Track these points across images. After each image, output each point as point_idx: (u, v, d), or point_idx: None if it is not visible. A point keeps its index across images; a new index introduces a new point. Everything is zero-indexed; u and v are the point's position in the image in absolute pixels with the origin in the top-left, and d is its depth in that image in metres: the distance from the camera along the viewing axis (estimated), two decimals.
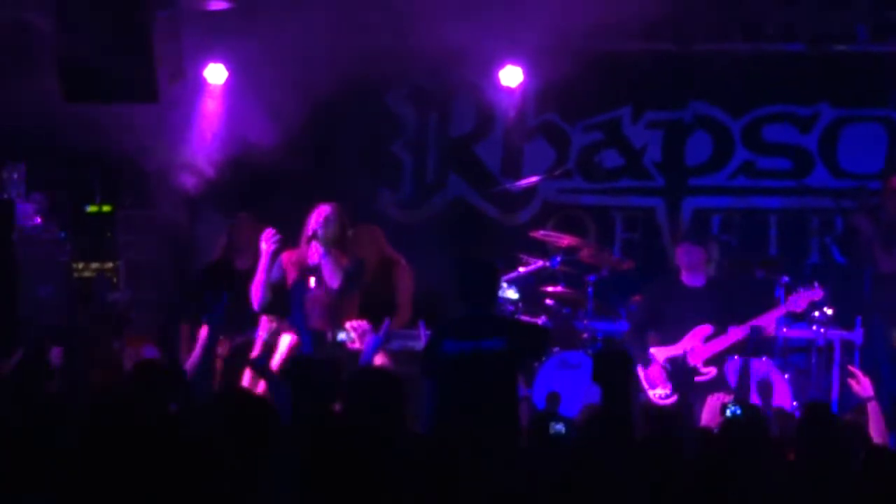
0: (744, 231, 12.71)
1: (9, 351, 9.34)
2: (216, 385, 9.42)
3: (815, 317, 10.64)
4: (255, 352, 9.74)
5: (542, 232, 11.62)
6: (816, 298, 10.15)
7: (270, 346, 9.79)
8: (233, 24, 11.43)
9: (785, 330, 10.50)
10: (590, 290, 11.19)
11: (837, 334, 10.74)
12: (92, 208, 12.24)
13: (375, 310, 9.50)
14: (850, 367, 8.64)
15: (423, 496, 5.51)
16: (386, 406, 6.46)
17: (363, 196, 12.20)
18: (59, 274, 11.16)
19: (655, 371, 9.96)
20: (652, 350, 10.05)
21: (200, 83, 12.04)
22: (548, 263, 11.28)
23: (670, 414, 8.89)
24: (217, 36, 11.64)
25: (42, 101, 9.99)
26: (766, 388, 9.10)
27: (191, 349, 9.77)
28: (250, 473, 5.52)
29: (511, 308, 10.96)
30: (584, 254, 11.35)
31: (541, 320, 11.03)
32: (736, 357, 9.77)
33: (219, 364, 9.66)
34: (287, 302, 9.62)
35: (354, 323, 9.41)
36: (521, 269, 11.26)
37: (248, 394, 7.04)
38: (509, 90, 12.40)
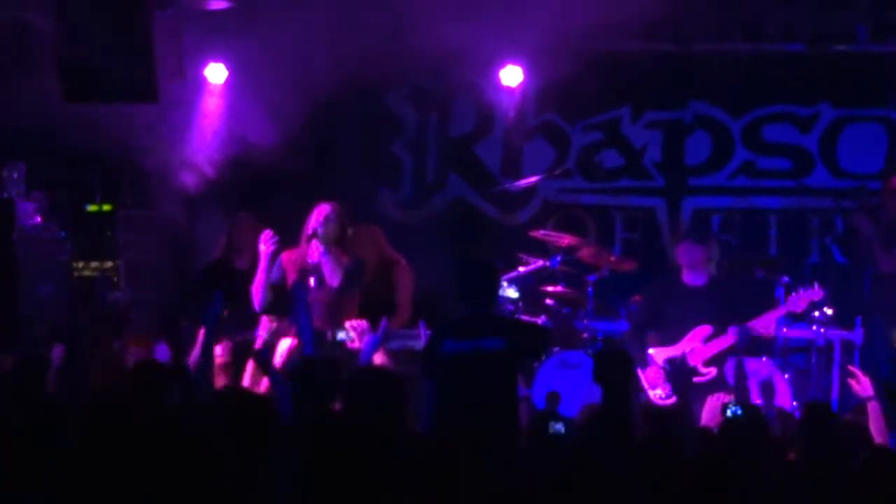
0: (744, 231, 12.71)
1: (9, 349, 9.37)
2: (216, 384, 9.43)
3: (815, 317, 10.64)
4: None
5: (542, 232, 11.62)
6: (816, 298, 10.14)
7: (271, 347, 9.78)
8: (233, 23, 11.43)
9: (785, 330, 10.49)
10: (590, 289, 11.19)
11: (837, 334, 10.74)
12: (92, 207, 12.25)
13: (375, 310, 9.50)
14: (850, 367, 8.64)
15: (423, 496, 5.51)
16: (386, 406, 6.46)
17: (363, 196, 12.20)
18: (59, 273, 11.16)
19: (655, 371, 9.96)
20: (651, 351, 10.05)
21: (201, 83, 12.04)
22: (548, 263, 11.28)
23: (670, 414, 8.88)
24: (217, 35, 11.64)
25: (42, 101, 9.99)
26: (768, 388, 9.10)
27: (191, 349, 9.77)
28: (250, 473, 5.53)
29: (511, 308, 10.96)
30: (584, 253, 11.34)
31: (541, 320, 11.02)
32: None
33: (219, 364, 9.66)
34: (288, 302, 9.61)
35: (354, 322, 9.41)
36: (521, 269, 11.26)
37: (248, 394, 7.04)
38: (509, 90, 12.40)
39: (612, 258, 11.58)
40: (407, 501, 5.50)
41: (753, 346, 10.20)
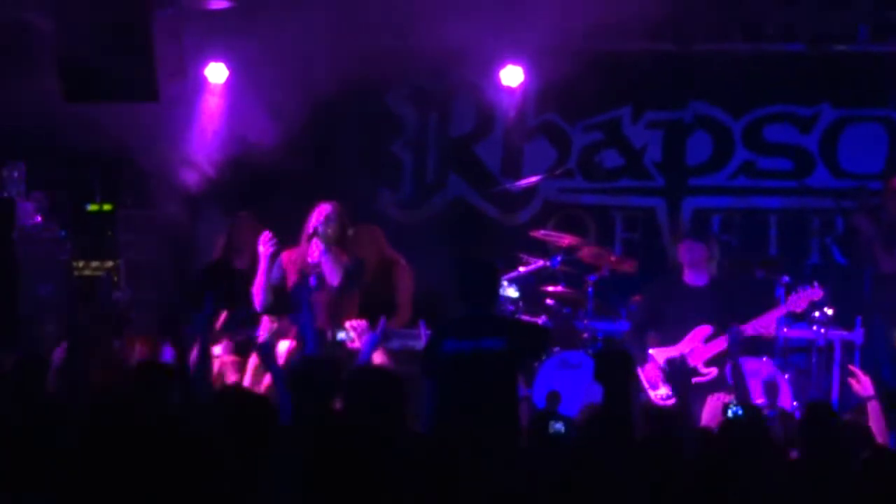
0: (744, 231, 12.71)
1: (9, 349, 9.36)
2: (215, 384, 9.43)
3: (815, 317, 10.63)
4: (255, 357, 9.72)
5: (542, 231, 11.62)
6: (816, 298, 10.14)
7: (272, 345, 9.78)
8: (233, 23, 11.43)
9: (785, 330, 10.49)
10: (590, 289, 11.19)
11: (838, 334, 10.73)
12: (92, 207, 12.25)
13: (375, 309, 9.49)
14: (851, 367, 8.64)
15: (423, 496, 5.51)
16: (386, 405, 6.46)
17: (363, 196, 12.20)
18: (59, 273, 11.16)
19: (655, 372, 9.96)
20: (652, 351, 10.05)
21: (201, 82, 12.04)
22: (548, 263, 11.28)
23: (671, 414, 8.87)
24: (217, 35, 11.64)
25: (42, 101, 9.99)
26: (772, 388, 9.09)
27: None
28: (250, 473, 5.53)
29: (511, 307, 10.96)
30: (585, 253, 11.34)
31: (541, 320, 11.02)
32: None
33: (218, 364, 9.66)
34: (288, 302, 9.61)
35: (354, 322, 9.40)
36: (522, 269, 11.26)
37: (248, 393, 7.04)
38: (510, 90, 12.40)
39: (613, 258, 11.57)
40: (407, 501, 5.50)
41: (753, 346, 10.19)
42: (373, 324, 9.00)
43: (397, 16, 11.19)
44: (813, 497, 6.13)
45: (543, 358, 10.44)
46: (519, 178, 12.31)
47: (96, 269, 11.75)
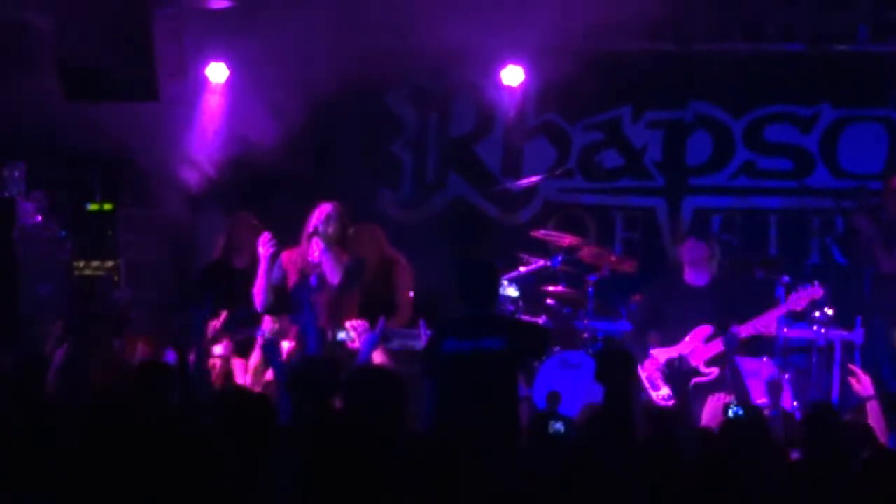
0: (744, 231, 12.71)
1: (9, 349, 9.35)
2: (216, 384, 9.44)
3: (815, 317, 10.62)
4: (256, 355, 9.73)
5: (542, 231, 11.62)
6: (817, 296, 10.13)
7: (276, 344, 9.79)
8: (234, 22, 11.43)
9: (786, 330, 10.48)
10: (590, 289, 11.18)
11: (838, 334, 10.72)
12: (93, 207, 12.24)
13: (375, 309, 9.49)
14: (851, 366, 8.63)
15: (423, 496, 5.51)
16: (386, 405, 6.46)
17: (363, 196, 12.19)
18: (59, 272, 11.16)
19: (656, 373, 9.95)
20: (653, 351, 10.05)
21: (201, 82, 12.04)
22: (548, 263, 11.27)
23: (671, 414, 8.88)
24: (218, 34, 11.64)
25: (42, 101, 9.98)
26: (775, 388, 9.09)
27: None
28: (250, 473, 5.53)
29: (511, 307, 10.95)
30: (585, 253, 11.34)
31: (541, 320, 11.02)
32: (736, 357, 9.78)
33: (219, 364, 9.66)
34: (289, 302, 9.61)
35: (355, 322, 9.40)
36: (522, 269, 11.26)
37: (248, 393, 7.05)
38: (510, 90, 12.40)
39: (613, 258, 11.57)
40: (407, 501, 5.50)
41: (753, 346, 10.19)
42: (373, 323, 9.00)
43: (397, 16, 11.18)
44: (813, 497, 6.13)
45: (544, 358, 10.43)
46: (519, 177, 12.31)
47: (96, 268, 11.74)
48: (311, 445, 5.63)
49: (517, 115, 12.60)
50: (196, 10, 10.85)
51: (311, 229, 9.59)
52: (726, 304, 10.04)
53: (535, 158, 12.78)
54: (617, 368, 7.62)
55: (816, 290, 10.11)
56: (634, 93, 12.68)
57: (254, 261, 9.80)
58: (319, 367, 7.05)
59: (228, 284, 10.29)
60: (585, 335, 11.13)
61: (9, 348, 9.60)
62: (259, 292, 9.67)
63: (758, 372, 10.00)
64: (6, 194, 11.02)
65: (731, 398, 8.53)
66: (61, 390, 7.64)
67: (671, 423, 7.46)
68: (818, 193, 12.51)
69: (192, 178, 11.96)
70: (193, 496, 5.27)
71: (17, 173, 11.10)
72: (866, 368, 8.58)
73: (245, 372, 9.91)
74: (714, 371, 9.85)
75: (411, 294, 10.61)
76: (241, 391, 8.09)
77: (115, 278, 11.79)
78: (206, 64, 12.02)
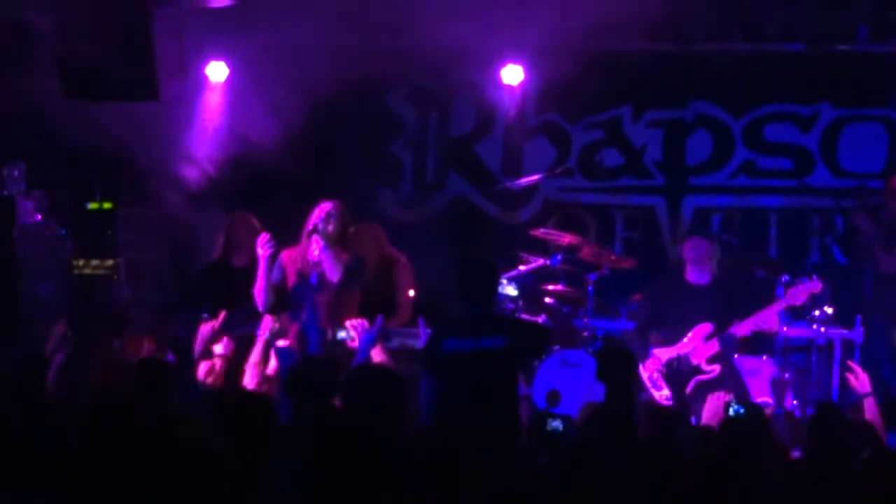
0: (744, 230, 12.71)
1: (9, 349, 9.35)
2: (216, 384, 9.44)
3: (815, 316, 10.63)
4: (256, 353, 9.72)
5: (542, 230, 11.62)
6: (816, 290, 10.12)
7: (271, 346, 9.80)
8: (234, 21, 11.44)
9: (785, 329, 10.49)
10: (590, 288, 11.18)
11: (838, 333, 10.73)
12: (93, 206, 12.23)
13: (376, 308, 9.49)
14: (849, 363, 8.64)
15: (423, 496, 5.51)
16: (386, 405, 6.46)
17: (363, 195, 12.19)
18: (59, 272, 11.15)
19: (657, 373, 9.96)
20: (655, 351, 10.05)
21: (201, 81, 12.04)
22: (548, 262, 11.27)
23: (672, 413, 8.88)
24: (218, 34, 11.64)
25: (42, 101, 9.98)
26: (779, 387, 9.09)
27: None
28: (250, 473, 5.53)
29: (511, 306, 10.95)
30: (585, 252, 11.35)
31: (541, 319, 11.02)
32: (736, 356, 9.78)
33: (219, 363, 9.66)
34: (290, 301, 9.61)
35: (355, 322, 9.39)
36: (522, 268, 11.26)
37: (248, 394, 7.05)
38: (510, 89, 12.41)
39: (613, 257, 11.58)
40: (407, 501, 5.50)
41: (753, 344, 10.20)
42: (373, 323, 9.01)
43: (397, 15, 11.19)
44: (813, 496, 6.13)
45: (543, 357, 10.44)
46: (519, 177, 12.32)
47: (96, 267, 11.73)
48: (311, 445, 5.62)
49: (517, 115, 12.60)
50: (196, 9, 10.84)
51: (310, 227, 9.59)
52: (728, 303, 10.05)
53: (535, 158, 12.79)
54: (618, 367, 7.63)
55: (815, 284, 10.10)
56: (634, 92, 12.69)
57: (253, 260, 9.80)
58: (319, 367, 7.05)
59: (228, 284, 10.30)
60: (585, 334, 11.14)
61: (9, 348, 9.60)
62: (259, 293, 9.67)
63: (758, 371, 10.02)
64: (6, 193, 11.01)
65: (731, 397, 8.53)
66: (61, 390, 7.64)
67: (672, 421, 7.46)
68: (818, 193, 12.52)
69: (192, 177, 11.96)
70: (193, 496, 5.27)
71: (16, 172, 11.09)
72: (866, 368, 8.58)
73: (246, 370, 9.91)
74: (716, 368, 9.85)
75: (412, 293, 10.61)
76: (241, 391, 8.11)
77: (115, 277, 11.78)
78: (205, 63, 12.03)
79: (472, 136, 13.00)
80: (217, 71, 12.11)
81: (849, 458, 6.38)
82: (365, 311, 9.50)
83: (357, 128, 12.67)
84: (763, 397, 9.72)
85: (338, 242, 9.59)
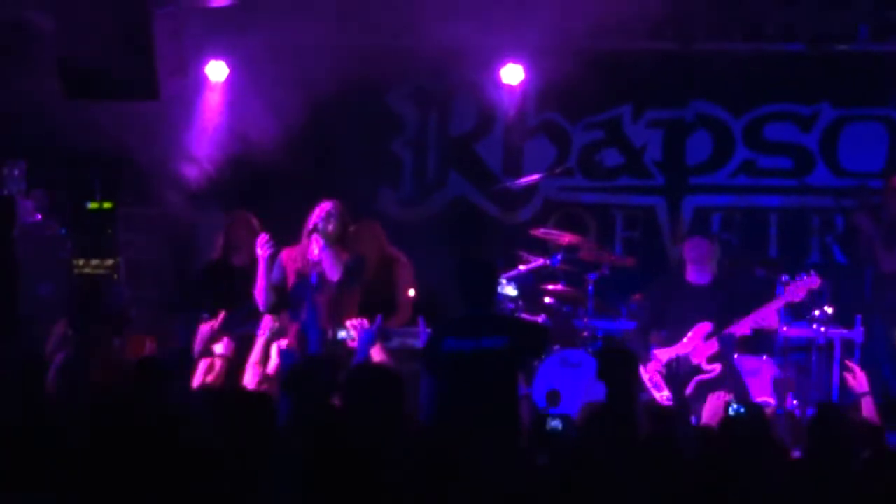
0: (744, 230, 12.72)
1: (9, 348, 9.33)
2: (217, 383, 9.43)
3: (815, 316, 10.63)
4: (256, 353, 9.72)
5: (542, 230, 11.62)
6: (814, 286, 10.11)
7: (271, 345, 9.80)
8: (234, 21, 11.44)
9: (785, 328, 10.48)
10: (590, 288, 11.18)
11: (838, 333, 10.73)
12: (93, 205, 12.22)
13: (376, 307, 9.49)
14: (847, 362, 8.63)
15: (422, 496, 5.51)
16: (385, 404, 6.45)
17: (364, 194, 12.19)
18: (59, 271, 11.15)
19: (657, 374, 9.96)
20: (656, 352, 10.05)
21: (201, 80, 12.03)
22: (548, 261, 11.27)
23: (673, 413, 8.89)
24: (218, 33, 11.64)
25: (42, 101, 9.98)
26: (782, 387, 9.08)
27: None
28: (250, 473, 5.53)
29: (511, 306, 10.94)
30: (585, 252, 11.35)
31: (540, 318, 11.02)
32: (736, 356, 9.79)
33: (219, 363, 9.66)
34: (290, 300, 9.61)
35: (355, 321, 9.39)
36: (522, 267, 11.25)
37: (248, 393, 7.05)
38: (510, 88, 12.40)
39: (612, 256, 11.59)
40: (407, 501, 5.50)
41: (753, 344, 10.20)
42: (373, 322, 9.01)
43: (397, 15, 11.19)
44: (814, 496, 6.13)
45: (543, 356, 10.44)
46: (519, 176, 12.31)
47: (96, 267, 11.74)
48: (311, 445, 5.63)
49: (517, 114, 12.60)
50: (196, 8, 10.84)
51: (310, 226, 9.58)
52: (728, 303, 10.04)
53: (536, 157, 12.79)
54: (619, 367, 7.64)
55: (813, 280, 10.09)
56: (635, 92, 12.69)
57: (253, 259, 9.80)
58: (319, 367, 7.05)
59: (228, 284, 10.29)
60: (585, 334, 11.13)
61: (9, 348, 9.59)
62: (260, 293, 9.67)
63: (758, 370, 10.02)
64: (6, 192, 11.01)
65: (731, 396, 8.54)
66: (61, 390, 7.63)
67: (672, 421, 7.46)
68: (818, 192, 12.52)
69: (192, 176, 11.96)
70: (193, 496, 5.28)
71: (17, 172, 11.09)
72: (866, 367, 8.58)
73: (246, 370, 9.91)
74: (716, 367, 9.84)
75: (412, 292, 10.60)
76: (241, 391, 8.11)
77: (115, 277, 11.78)
78: (205, 62, 12.02)
79: (472, 135, 13.01)
80: (217, 70, 12.11)
81: (849, 458, 6.38)
82: (365, 311, 9.50)
83: (357, 127, 12.66)
84: (763, 397, 9.73)
85: (338, 242, 9.58)
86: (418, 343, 9.16)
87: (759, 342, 10.32)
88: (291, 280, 9.57)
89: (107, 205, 12.21)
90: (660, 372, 9.94)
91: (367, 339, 8.70)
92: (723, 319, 9.92)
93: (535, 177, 12.04)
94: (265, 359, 9.67)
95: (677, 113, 12.73)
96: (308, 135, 11.86)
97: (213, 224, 11.39)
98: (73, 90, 9.40)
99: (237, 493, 5.39)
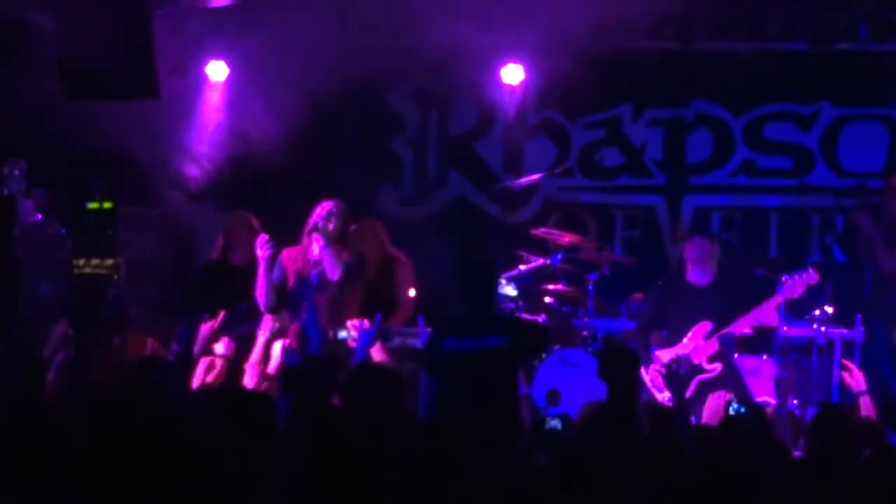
0: (744, 229, 12.72)
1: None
2: (217, 383, 9.43)
3: (815, 315, 10.63)
4: (256, 352, 9.73)
5: (542, 229, 11.62)
6: (812, 281, 10.09)
7: (271, 345, 9.80)
8: (234, 21, 11.45)
9: (786, 328, 10.48)
10: (590, 287, 11.18)
11: (838, 333, 10.72)
12: (93, 205, 12.23)
13: (377, 307, 9.49)
14: (844, 361, 8.63)
15: (422, 496, 5.51)
16: (386, 404, 6.45)
17: (364, 194, 12.18)
18: (59, 271, 11.15)
19: (658, 375, 9.96)
20: (657, 353, 10.05)
21: (202, 80, 12.04)
22: (548, 261, 11.27)
23: (673, 412, 8.88)
24: (218, 32, 11.65)
25: (42, 101, 9.98)
26: (783, 386, 9.07)
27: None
28: (250, 473, 5.53)
29: (511, 305, 10.94)
30: (585, 252, 11.35)
31: (540, 318, 11.02)
32: (736, 355, 9.78)
33: (220, 363, 9.66)
34: (290, 300, 9.61)
35: (356, 321, 9.39)
36: (522, 267, 11.25)
37: (248, 393, 7.05)
38: (510, 88, 12.41)
39: (613, 256, 11.60)
40: (406, 501, 5.50)
41: (753, 343, 10.19)
42: (373, 321, 9.01)
43: (398, 14, 11.19)
44: (815, 496, 6.12)
45: (543, 356, 10.44)
46: (519, 175, 12.32)
47: (96, 267, 11.74)
48: (311, 445, 5.62)
49: (517, 114, 12.61)
50: (196, 8, 10.84)
51: (311, 225, 9.58)
52: (729, 304, 10.03)
53: (536, 157, 12.80)
54: (620, 366, 7.63)
55: (811, 275, 10.08)
56: (635, 91, 12.70)
57: (252, 258, 9.80)
58: (319, 367, 7.05)
59: (228, 284, 10.29)
60: (585, 333, 11.13)
61: (9, 348, 9.59)
62: (261, 293, 9.66)
63: (758, 370, 10.01)
64: (6, 192, 11.01)
65: (731, 396, 8.53)
66: (61, 390, 7.63)
67: (672, 421, 7.46)
68: (818, 192, 12.52)
69: (192, 176, 11.96)
70: (193, 496, 5.27)
71: (17, 171, 11.09)
72: (866, 367, 8.58)
73: (246, 370, 9.91)
74: (717, 367, 9.83)
75: (412, 292, 10.60)
76: (242, 391, 8.10)
77: (115, 277, 11.79)
78: (206, 62, 12.03)
79: (472, 134, 13.01)
80: (217, 70, 12.11)
81: (850, 457, 6.38)
82: (365, 311, 9.50)
83: (357, 127, 12.67)
84: (764, 396, 9.72)
85: (338, 241, 9.58)
86: (418, 343, 9.16)
87: (760, 342, 10.31)
88: (292, 280, 9.56)
89: (107, 205, 12.21)
90: (660, 373, 9.93)
91: (367, 339, 8.70)
92: (723, 319, 9.92)
93: (535, 176, 12.04)
94: (265, 359, 9.67)
95: (677, 112, 12.74)
96: (308, 134, 11.86)
97: (213, 224, 11.40)
98: (73, 90, 9.40)
99: (237, 493, 5.39)
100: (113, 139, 11.01)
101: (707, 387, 9.49)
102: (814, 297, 10.43)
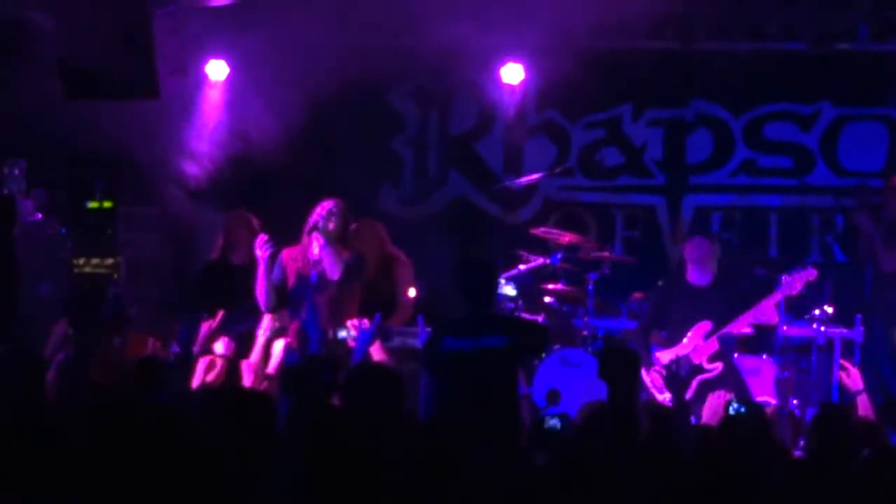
0: (744, 229, 12.72)
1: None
2: (217, 382, 9.44)
3: (815, 315, 10.63)
4: (256, 352, 9.74)
5: (542, 229, 11.62)
6: (811, 278, 10.08)
7: (271, 344, 9.81)
8: (234, 20, 11.43)
9: (785, 328, 10.48)
10: (590, 287, 11.18)
11: (838, 333, 10.72)
12: (93, 205, 12.23)
13: (376, 307, 9.49)
14: (842, 361, 8.63)
15: (422, 495, 5.51)
16: (386, 404, 6.45)
17: (364, 193, 12.18)
18: (59, 271, 11.15)
19: (658, 376, 9.96)
20: (658, 354, 10.05)
21: (202, 79, 12.04)
22: (548, 261, 11.27)
23: (673, 412, 8.89)
24: (218, 32, 11.64)
25: (42, 101, 9.98)
26: (784, 386, 9.07)
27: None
28: (250, 473, 5.53)
29: (510, 305, 10.94)
30: (585, 251, 11.35)
31: (540, 318, 11.02)
32: (736, 355, 9.79)
33: (220, 363, 9.66)
34: (290, 300, 9.61)
35: (356, 321, 9.39)
36: (522, 267, 11.25)
37: (248, 393, 7.04)
38: (510, 88, 12.41)
39: (613, 255, 11.60)
40: (406, 501, 5.50)
41: (753, 343, 10.19)
42: (372, 321, 9.01)
43: (398, 14, 11.19)
44: (815, 495, 6.12)
45: (543, 356, 10.44)
46: (519, 175, 12.32)
47: (96, 266, 11.74)
48: (311, 445, 5.62)
49: (517, 114, 12.61)
50: (196, 7, 10.84)
51: (311, 225, 9.58)
52: (729, 304, 10.03)
53: (536, 156, 12.80)
54: (620, 366, 7.63)
55: (810, 272, 10.07)
56: (635, 91, 12.70)
57: (251, 257, 9.80)
58: (319, 367, 7.05)
59: (228, 283, 10.30)
60: (585, 333, 11.13)
61: (9, 347, 9.59)
62: (261, 293, 9.66)
63: (758, 370, 10.01)
64: (7, 192, 11.01)
65: (731, 395, 8.54)
66: (61, 390, 7.64)
67: (672, 421, 7.46)
68: (818, 191, 12.52)
69: (192, 175, 11.96)
70: (193, 496, 5.27)
71: (17, 171, 11.10)
72: (866, 367, 8.58)
73: (248, 369, 9.92)
74: (718, 366, 9.84)
75: (412, 292, 10.61)
76: (242, 390, 8.11)
77: (116, 276, 11.79)
78: (206, 61, 12.03)
79: (472, 134, 13.01)
80: (217, 69, 12.11)
81: (850, 457, 6.38)
82: (365, 310, 9.50)
83: (358, 126, 12.66)
84: (764, 396, 9.73)
85: (338, 241, 9.57)
86: (418, 343, 9.16)
87: (759, 341, 10.31)
88: (292, 279, 9.56)
89: (107, 204, 12.21)
90: (660, 373, 9.94)
91: (366, 339, 8.70)
92: (723, 319, 9.92)
93: (535, 176, 12.03)
94: (265, 358, 9.68)
95: (677, 112, 12.74)
96: (308, 134, 11.86)
97: (213, 224, 11.40)
98: (73, 90, 9.40)
99: (237, 493, 5.39)
100: (113, 139, 11.01)
101: (707, 387, 9.50)
102: (813, 295, 10.42)
